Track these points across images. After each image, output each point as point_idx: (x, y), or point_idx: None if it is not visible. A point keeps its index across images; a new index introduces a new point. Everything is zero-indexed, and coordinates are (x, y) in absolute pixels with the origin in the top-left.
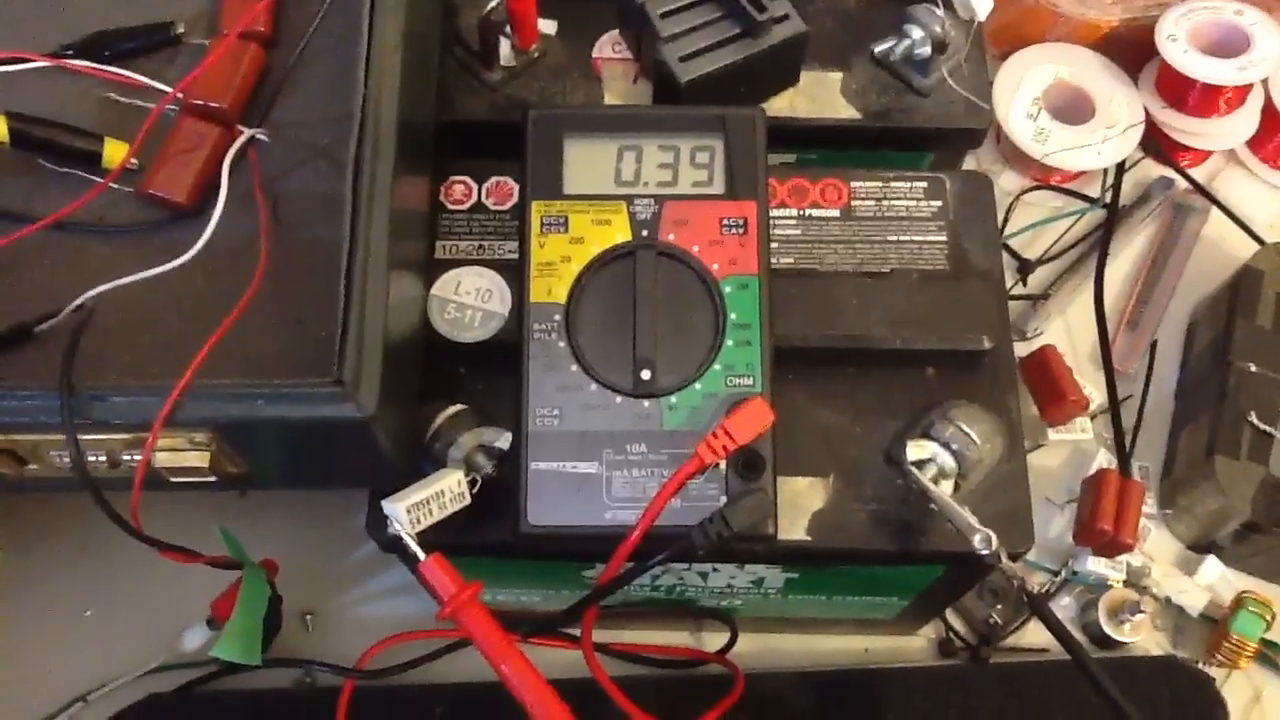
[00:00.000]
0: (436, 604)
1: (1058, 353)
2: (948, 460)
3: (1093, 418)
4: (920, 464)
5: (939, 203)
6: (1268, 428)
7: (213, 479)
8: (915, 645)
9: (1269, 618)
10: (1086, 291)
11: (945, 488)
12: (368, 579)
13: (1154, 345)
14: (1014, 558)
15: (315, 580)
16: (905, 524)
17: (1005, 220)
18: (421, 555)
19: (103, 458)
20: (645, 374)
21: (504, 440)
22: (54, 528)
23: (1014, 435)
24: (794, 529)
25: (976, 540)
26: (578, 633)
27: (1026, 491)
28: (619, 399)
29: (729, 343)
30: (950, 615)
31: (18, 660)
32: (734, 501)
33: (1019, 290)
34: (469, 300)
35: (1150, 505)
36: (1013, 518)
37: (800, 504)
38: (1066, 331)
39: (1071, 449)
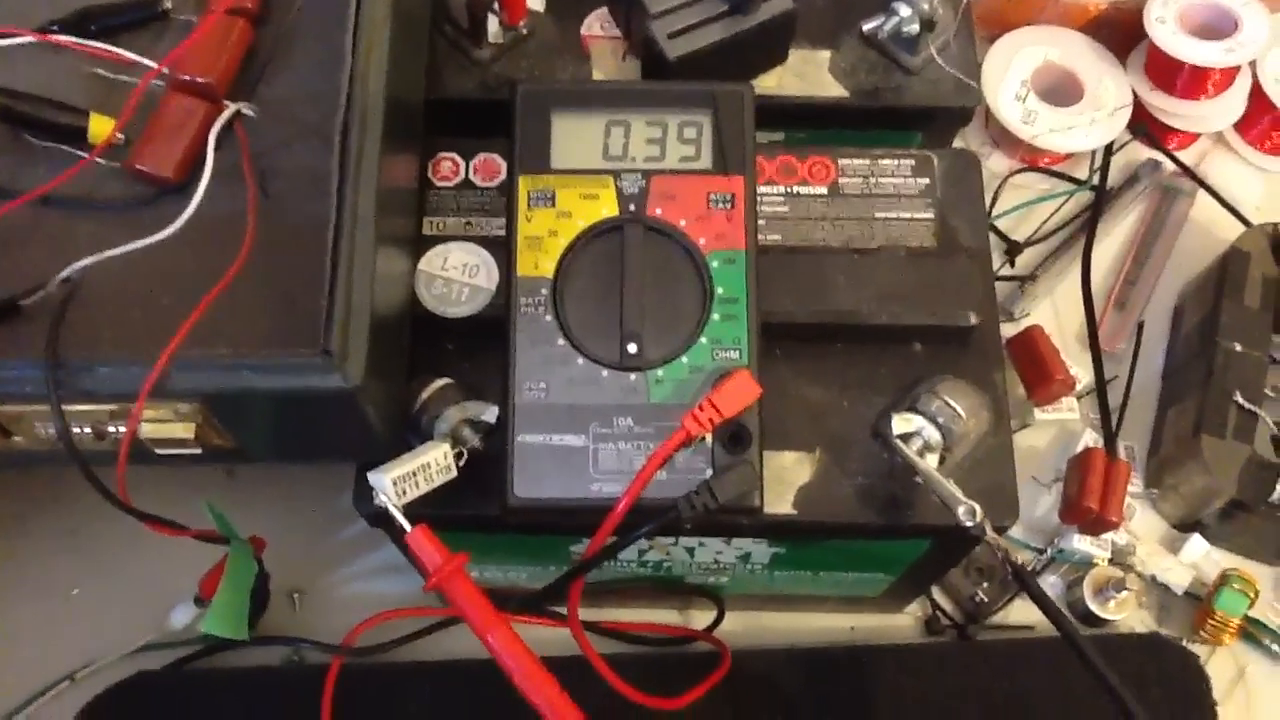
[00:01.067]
0: (423, 578)
1: (1045, 333)
2: (933, 434)
3: (1079, 398)
4: (906, 438)
5: (926, 180)
6: (1253, 407)
7: (199, 451)
8: (902, 623)
9: (1252, 595)
10: (1074, 273)
11: (931, 461)
12: (356, 557)
13: (1141, 326)
14: (999, 531)
15: (303, 559)
16: (891, 498)
17: (993, 202)
18: (407, 526)
19: (88, 430)
20: (632, 347)
21: (490, 414)
22: (41, 506)
23: (999, 410)
24: (780, 503)
25: (961, 512)
26: (565, 611)
27: (1011, 466)
28: (606, 372)
29: (715, 317)
30: (936, 593)
31: (5, 638)
32: (720, 474)
33: (1007, 271)
34: (456, 275)
35: (1136, 484)
36: (997, 491)
37: (787, 478)
38: (1054, 312)
39: (1058, 429)
